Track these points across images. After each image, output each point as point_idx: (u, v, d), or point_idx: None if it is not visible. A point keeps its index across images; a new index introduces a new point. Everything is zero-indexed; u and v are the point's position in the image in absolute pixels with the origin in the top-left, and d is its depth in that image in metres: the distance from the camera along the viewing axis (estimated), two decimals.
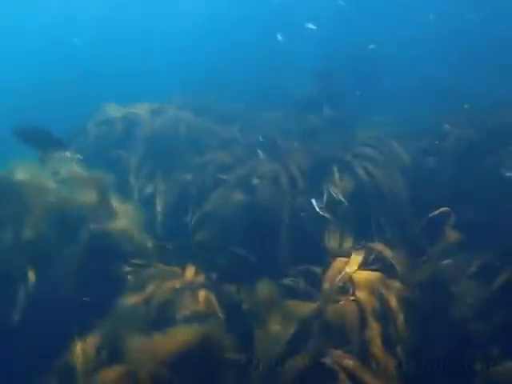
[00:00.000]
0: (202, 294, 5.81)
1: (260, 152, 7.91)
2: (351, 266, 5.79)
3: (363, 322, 5.24)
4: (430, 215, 6.77)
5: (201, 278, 6.05)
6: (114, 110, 9.26)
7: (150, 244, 6.64)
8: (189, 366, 4.82)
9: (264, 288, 5.77)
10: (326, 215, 6.72)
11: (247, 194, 7.00)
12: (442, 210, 6.73)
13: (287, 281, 6.02)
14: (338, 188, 7.00)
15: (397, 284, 5.69)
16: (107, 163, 8.09)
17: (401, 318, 5.39)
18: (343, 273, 5.69)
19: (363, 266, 5.88)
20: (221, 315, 5.61)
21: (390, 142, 7.93)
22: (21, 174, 6.63)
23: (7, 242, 6.17)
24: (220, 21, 18.85)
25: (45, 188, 6.69)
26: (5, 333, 5.84)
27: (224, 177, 7.40)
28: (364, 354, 5.06)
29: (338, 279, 5.64)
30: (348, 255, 6.02)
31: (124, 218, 6.80)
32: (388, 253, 6.07)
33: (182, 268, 6.17)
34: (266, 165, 7.47)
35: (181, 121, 8.72)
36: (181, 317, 5.55)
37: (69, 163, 7.48)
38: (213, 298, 5.80)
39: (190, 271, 6.07)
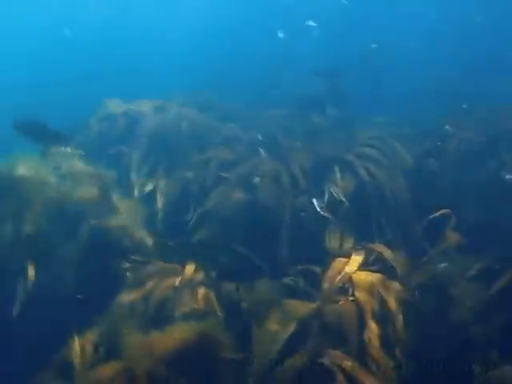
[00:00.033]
0: (201, 291, 5.80)
1: (262, 150, 7.90)
2: (351, 266, 5.77)
3: (362, 323, 5.23)
4: (431, 217, 6.75)
5: (200, 276, 6.03)
6: (116, 107, 9.26)
7: (150, 241, 6.64)
8: (186, 364, 4.82)
9: (263, 287, 5.77)
10: (326, 215, 6.70)
11: (248, 192, 6.99)
12: (442, 211, 6.71)
13: (287, 280, 6.01)
14: (339, 188, 6.99)
15: (396, 285, 5.68)
16: (109, 159, 8.10)
17: (400, 319, 5.38)
18: (343, 273, 5.67)
19: (363, 266, 5.87)
20: (220, 313, 5.60)
21: (392, 143, 7.91)
22: (22, 169, 6.62)
23: (7, 237, 6.17)
24: (222, 19, 18.82)
25: (46, 183, 6.69)
26: (4, 328, 5.84)
27: (225, 175, 7.39)
28: (362, 355, 5.05)
29: (337, 279, 5.63)
30: (348, 256, 6.00)
31: (125, 214, 6.80)
32: (388, 254, 6.06)
33: (181, 265, 6.16)
34: (267, 163, 7.46)
35: (183, 118, 8.70)
36: (179, 314, 5.54)
37: (70, 158, 7.48)
38: (212, 295, 5.78)
39: (190, 269, 6.06)
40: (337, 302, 5.40)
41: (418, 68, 13.29)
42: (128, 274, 6.19)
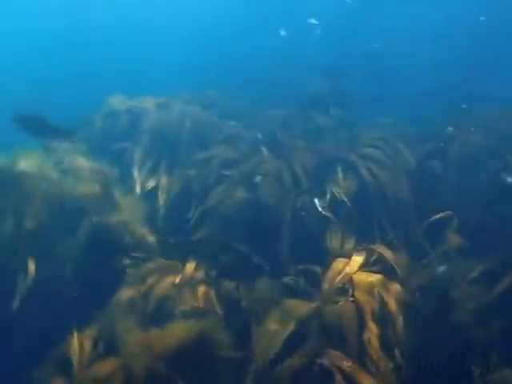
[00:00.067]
0: (201, 289, 5.79)
1: (264, 149, 7.88)
2: (352, 267, 5.76)
3: (362, 324, 5.22)
4: (433, 218, 6.74)
5: (201, 274, 6.02)
6: (119, 103, 9.25)
7: (151, 238, 6.63)
8: (185, 363, 4.81)
9: (263, 286, 5.77)
10: (328, 215, 6.69)
11: (250, 191, 6.97)
12: (444, 213, 6.70)
13: (287, 279, 6.00)
14: (341, 188, 6.97)
15: (397, 287, 5.66)
16: (111, 155, 8.09)
17: (400, 320, 5.37)
18: (343, 273, 5.66)
19: (364, 267, 5.85)
20: (219, 311, 5.60)
21: (395, 144, 7.88)
22: (23, 164, 6.62)
23: (8, 232, 6.17)
24: (225, 18, 18.80)
25: (47, 178, 6.68)
26: (3, 323, 5.84)
27: (227, 173, 7.38)
28: (362, 356, 5.04)
29: (337, 280, 5.62)
30: (349, 256, 5.99)
31: (126, 211, 6.79)
32: (389, 255, 6.04)
33: (182, 263, 6.15)
34: (269, 162, 7.44)
35: (186, 115, 8.68)
36: (179, 312, 5.54)
37: (72, 154, 7.48)
38: (212, 294, 5.78)
39: (191, 266, 6.05)
40: (337, 302, 5.39)
41: (422, 69, 13.25)
42: (128, 270, 6.18)
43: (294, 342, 5.07)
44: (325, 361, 4.90)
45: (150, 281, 5.95)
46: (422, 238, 6.72)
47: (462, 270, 5.69)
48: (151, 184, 7.73)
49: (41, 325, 5.80)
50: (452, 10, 15.98)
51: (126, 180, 7.71)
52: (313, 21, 14.27)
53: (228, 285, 5.89)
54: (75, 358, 5.11)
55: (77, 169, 7.11)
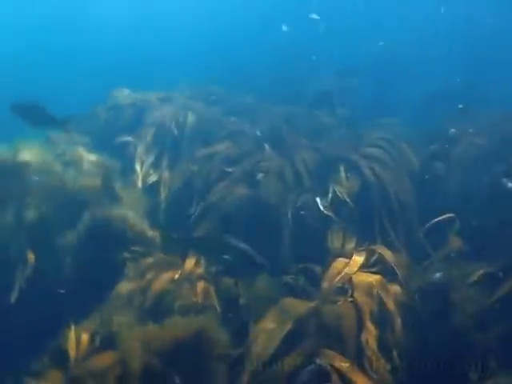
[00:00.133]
0: (200, 285, 5.77)
1: (267, 146, 7.85)
2: (351, 267, 5.74)
3: (360, 324, 5.20)
4: (435, 220, 6.71)
5: (200, 270, 6.01)
6: (123, 97, 9.25)
7: (151, 232, 6.61)
8: (181, 359, 4.80)
9: (263, 284, 5.75)
10: (330, 214, 6.66)
11: (252, 188, 6.95)
12: (446, 216, 6.67)
13: (287, 278, 5.98)
14: (343, 188, 6.94)
15: (396, 288, 5.64)
16: (114, 149, 8.09)
17: (398, 322, 5.34)
18: (343, 273, 5.64)
19: (364, 267, 5.83)
20: (218, 308, 5.58)
21: (399, 144, 7.86)
22: (25, 155, 6.61)
23: (8, 223, 6.16)
24: (231, 15, 18.79)
25: (49, 170, 6.68)
26: (1, 314, 5.84)
27: (229, 169, 7.35)
28: (359, 357, 5.02)
29: (337, 280, 5.60)
30: (349, 256, 5.97)
31: (127, 204, 6.78)
32: (390, 256, 6.02)
33: (182, 258, 6.13)
34: (272, 160, 7.41)
35: (189, 110, 8.68)
36: (178, 307, 5.52)
37: (75, 146, 7.47)
38: (211, 290, 5.76)
39: (190, 262, 6.03)
40: (336, 302, 5.36)
41: (429, 70, 13.19)
42: (128, 264, 6.17)
43: (291, 341, 5.05)
44: (321, 360, 4.87)
45: (149, 275, 5.93)
46: (423, 240, 6.69)
47: (462, 273, 5.66)
48: (153, 178, 7.73)
49: (39, 317, 5.79)
50: (458, 11, 15.92)
51: (127, 173, 7.71)
52: (314, 16, 14.19)
53: (228, 281, 5.87)
54: (72, 352, 5.10)
55: (79, 161, 7.10)
